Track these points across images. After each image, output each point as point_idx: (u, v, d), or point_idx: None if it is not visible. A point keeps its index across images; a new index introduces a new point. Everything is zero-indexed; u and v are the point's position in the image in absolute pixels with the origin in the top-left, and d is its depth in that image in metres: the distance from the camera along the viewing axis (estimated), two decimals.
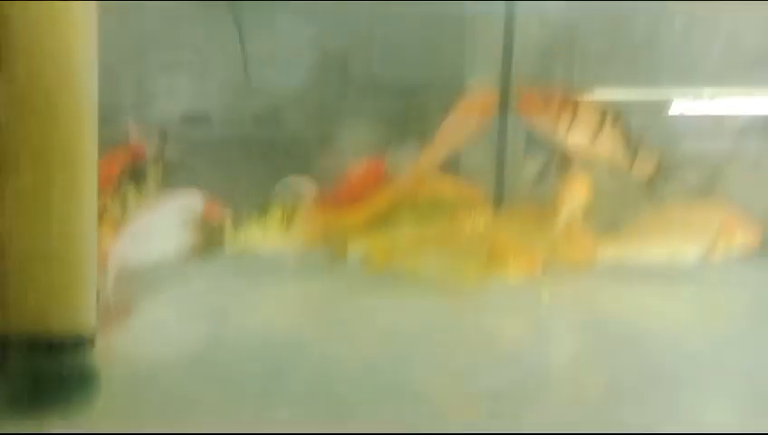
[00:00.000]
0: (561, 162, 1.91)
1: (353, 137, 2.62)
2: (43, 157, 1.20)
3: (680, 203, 1.99)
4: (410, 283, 1.82)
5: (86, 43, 1.24)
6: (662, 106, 2.40)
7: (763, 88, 2.39)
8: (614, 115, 1.82)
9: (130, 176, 1.80)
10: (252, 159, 2.63)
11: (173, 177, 1.92)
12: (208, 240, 1.87)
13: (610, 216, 1.98)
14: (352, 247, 1.88)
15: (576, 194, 1.90)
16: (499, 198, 2.19)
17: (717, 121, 2.37)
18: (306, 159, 2.44)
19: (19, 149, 1.18)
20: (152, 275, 1.74)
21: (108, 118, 2.66)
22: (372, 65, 2.85)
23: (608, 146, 1.82)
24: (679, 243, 1.90)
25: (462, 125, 1.98)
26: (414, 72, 2.77)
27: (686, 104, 2.40)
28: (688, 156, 2.20)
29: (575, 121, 1.78)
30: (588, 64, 2.48)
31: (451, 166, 2.08)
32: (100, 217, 1.45)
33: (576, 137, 1.79)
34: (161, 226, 1.77)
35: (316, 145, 2.62)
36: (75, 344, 1.24)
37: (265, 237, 1.90)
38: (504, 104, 2.33)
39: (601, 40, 2.48)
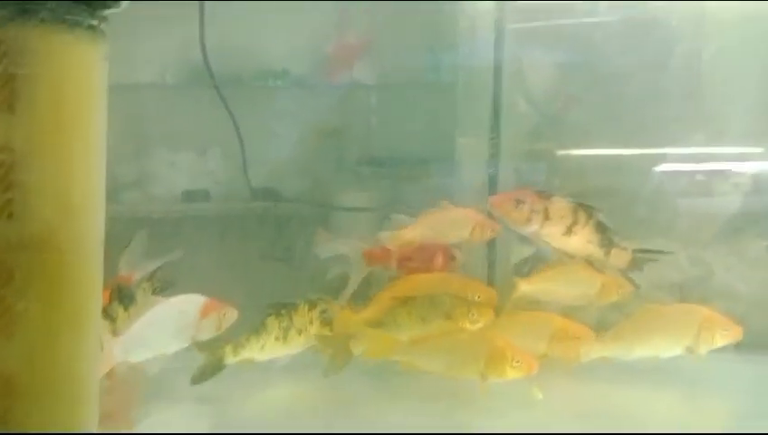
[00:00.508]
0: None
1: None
2: (52, 286, 1.23)
3: (664, 303, 2.04)
4: (408, 381, 1.85)
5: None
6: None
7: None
8: (587, 211, 1.86)
9: (118, 298, 1.82)
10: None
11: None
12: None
13: (597, 316, 2.04)
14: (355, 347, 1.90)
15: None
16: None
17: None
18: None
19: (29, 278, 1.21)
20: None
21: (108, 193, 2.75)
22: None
23: (582, 240, 1.87)
24: (663, 342, 1.95)
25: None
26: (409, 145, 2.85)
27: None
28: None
29: (548, 219, 1.83)
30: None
31: None
32: None
33: (549, 233, 1.84)
34: (157, 329, 1.76)
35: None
36: None
37: (263, 350, 1.92)
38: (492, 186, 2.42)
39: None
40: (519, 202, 1.83)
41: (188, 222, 2.70)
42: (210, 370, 1.86)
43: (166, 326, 1.78)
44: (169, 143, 2.77)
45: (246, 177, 2.56)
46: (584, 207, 1.86)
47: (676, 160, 2.56)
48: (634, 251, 1.91)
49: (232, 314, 1.84)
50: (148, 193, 2.73)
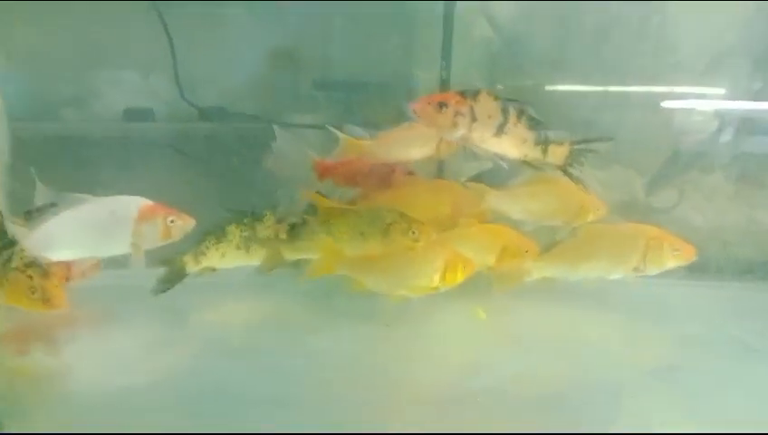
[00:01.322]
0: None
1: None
2: None
3: (611, 222, 1.98)
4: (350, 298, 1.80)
5: None
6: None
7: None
8: (516, 108, 1.73)
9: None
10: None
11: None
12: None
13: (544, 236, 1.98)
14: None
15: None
16: None
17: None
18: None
19: None
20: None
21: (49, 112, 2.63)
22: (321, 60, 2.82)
23: (516, 140, 1.74)
24: (609, 263, 1.90)
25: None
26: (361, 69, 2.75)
27: None
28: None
29: (475, 121, 1.70)
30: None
31: None
32: None
33: (479, 136, 1.71)
34: (83, 228, 1.67)
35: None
36: None
37: (223, 259, 1.84)
38: None
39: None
40: (442, 105, 1.69)
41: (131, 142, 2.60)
42: (171, 278, 1.80)
43: (93, 226, 1.67)
44: (113, 61, 2.64)
45: (182, 95, 2.48)
46: (512, 103, 1.73)
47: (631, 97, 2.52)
48: (571, 144, 1.80)
49: (185, 223, 1.72)
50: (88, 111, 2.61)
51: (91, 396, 1.41)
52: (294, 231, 1.85)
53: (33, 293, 1.60)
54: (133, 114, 2.63)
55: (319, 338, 1.71)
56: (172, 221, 1.69)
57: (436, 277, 1.73)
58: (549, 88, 2.55)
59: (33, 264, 1.63)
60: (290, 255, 1.86)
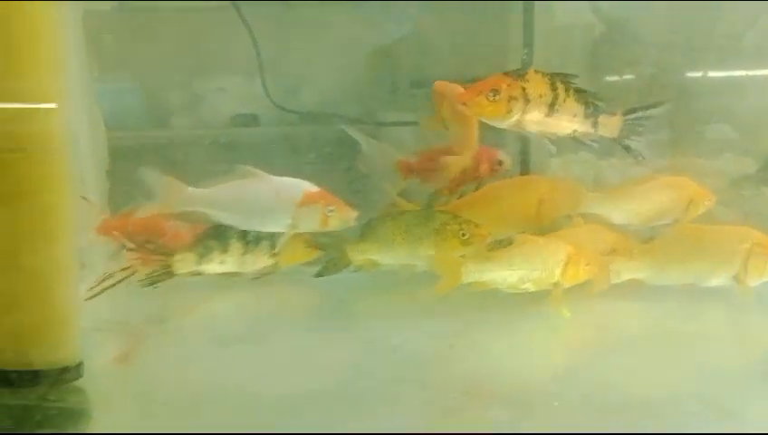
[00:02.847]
0: None
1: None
2: (16, 199, 1.25)
3: (709, 224, 1.84)
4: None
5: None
6: None
7: None
8: (563, 80, 1.63)
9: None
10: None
11: None
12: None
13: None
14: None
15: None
16: None
17: None
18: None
19: None
20: None
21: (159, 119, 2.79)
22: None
23: (567, 116, 1.64)
24: (704, 268, 1.77)
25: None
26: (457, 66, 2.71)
27: None
28: None
29: (528, 102, 1.59)
30: None
31: None
32: None
33: (532, 117, 1.61)
34: (247, 200, 1.72)
35: None
36: (59, 375, 1.31)
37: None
38: None
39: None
40: (494, 92, 1.59)
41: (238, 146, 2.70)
42: (333, 266, 1.84)
43: (260, 200, 1.72)
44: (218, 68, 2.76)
45: (270, 99, 2.52)
46: (559, 77, 1.63)
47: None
48: (624, 114, 1.68)
49: (345, 214, 1.74)
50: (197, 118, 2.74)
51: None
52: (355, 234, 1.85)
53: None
54: (240, 120, 2.74)
55: (397, 334, 1.70)
56: (331, 211, 1.72)
57: (557, 272, 1.69)
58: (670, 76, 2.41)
59: None
60: (355, 257, 1.86)
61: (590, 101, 1.65)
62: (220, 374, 1.49)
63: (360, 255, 1.84)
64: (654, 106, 1.70)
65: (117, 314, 1.79)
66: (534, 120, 1.62)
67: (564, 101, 1.63)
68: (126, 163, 2.24)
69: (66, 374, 1.31)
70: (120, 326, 1.73)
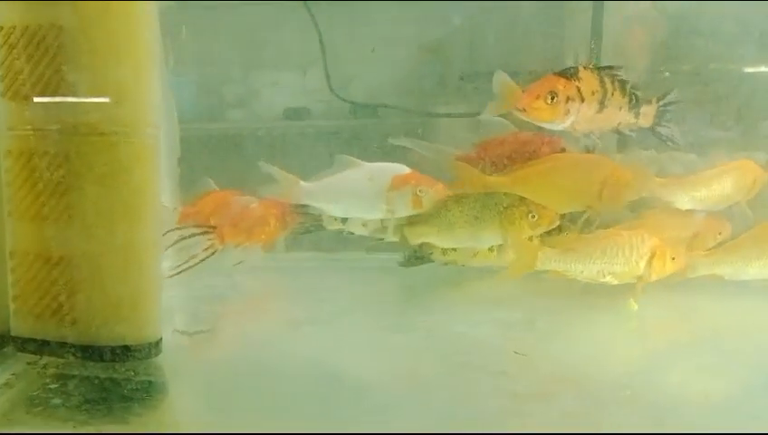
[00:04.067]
0: None
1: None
2: (106, 178, 1.32)
3: None
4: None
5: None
6: None
7: None
8: (609, 74, 1.65)
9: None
10: None
11: None
12: None
13: None
14: None
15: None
16: None
17: None
18: None
19: (84, 172, 1.30)
20: None
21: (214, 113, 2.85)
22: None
23: (615, 110, 1.67)
24: None
25: None
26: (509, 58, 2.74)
27: None
28: None
29: (583, 102, 1.61)
30: None
31: None
32: None
33: (587, 115, 1.63)
34: (347, 190, 1.78)
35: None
36: (141, 352, 1.37)
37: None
38: None
39: None
40: (552, 95, 1.59)
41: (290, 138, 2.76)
42: (414, 260, 1.90)
43: (355, 189, 1.77)
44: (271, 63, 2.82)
45: (333, 92, 2.57)
46: (605, 72, 1.64)
47: None
48: (657, 100, 1.70)
49: (435, 191, 1.74)
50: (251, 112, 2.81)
51: None
52: (414, 216, 1.86)
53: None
54: (292, 113, 2.80)
55: (459, 323, 1.73)
56: (421, 191, 1.74)
57: (642, 264, 1.70)
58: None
59: None
60: (412, 239, 1.88)
61: (632, 92, 1.68)
62: (290, 354, 1.54)
63: (419, 238, 1.86)
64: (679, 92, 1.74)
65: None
66: (588, 118, 1.64)
67: (612, 95, 1.65)
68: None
69: (151, 350, 1.37)
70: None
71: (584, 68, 1.65)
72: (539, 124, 1.70)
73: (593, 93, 1.64)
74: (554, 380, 1.42)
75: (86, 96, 1.27)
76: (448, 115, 2.56)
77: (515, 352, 1.50)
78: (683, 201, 1.90)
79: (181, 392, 1.39)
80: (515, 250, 1.76)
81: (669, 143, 1.77)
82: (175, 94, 2.37)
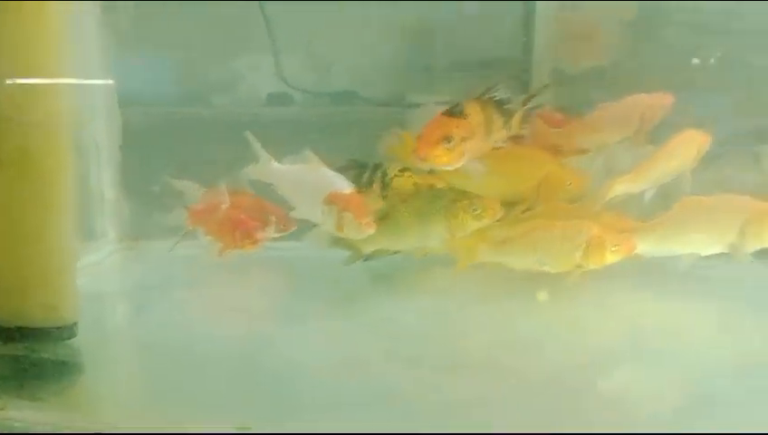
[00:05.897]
0: None
1: None
2: (15, 164, 1.34)
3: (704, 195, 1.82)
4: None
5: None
6: None
7: None
8: (489, 100, 1.66)
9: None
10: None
11: None
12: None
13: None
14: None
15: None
16: None
17: None
18: None
19: None
20: None
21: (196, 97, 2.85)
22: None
23: (498, 129, 1.68)
24: (703, 238, 1.77)
25: None
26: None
27: None
28: None
29: (474, 136, 1.62)
30: None
31: None
32: None
33: (476, 147, 1.64)
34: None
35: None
36: (55, 334, 1.40)
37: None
38: None
39: None
40: (448, 139, 1.57)
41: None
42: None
43: (306, 190, 1.77)
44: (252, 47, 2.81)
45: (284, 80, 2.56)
46: (484, 95, 1.65)
47: None
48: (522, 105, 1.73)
49: (357, 225, 1.66)
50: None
51: None
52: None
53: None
54: (275, 99, 2.80)
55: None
56: (343, 217, 1.68)
57: (578, 254, 1.71)
58: None
59: None
60: (364, 248, 1.90)
61: (506, 108, 1.69)
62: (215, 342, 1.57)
63: (371, 245, 1.87)
64: (538, 93, 1.79)
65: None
66: (477, 148, 1.64)
67: (492, 119, 1.66)
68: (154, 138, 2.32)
69: (63, 333, 1.40)
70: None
71: (466, 101, 1.63)
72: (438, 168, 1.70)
73: (479, 125, 1.64)
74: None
75: None
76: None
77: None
78: (643, 188, 1.87)
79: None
80: (453, 250, 1.78)
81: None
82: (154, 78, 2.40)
